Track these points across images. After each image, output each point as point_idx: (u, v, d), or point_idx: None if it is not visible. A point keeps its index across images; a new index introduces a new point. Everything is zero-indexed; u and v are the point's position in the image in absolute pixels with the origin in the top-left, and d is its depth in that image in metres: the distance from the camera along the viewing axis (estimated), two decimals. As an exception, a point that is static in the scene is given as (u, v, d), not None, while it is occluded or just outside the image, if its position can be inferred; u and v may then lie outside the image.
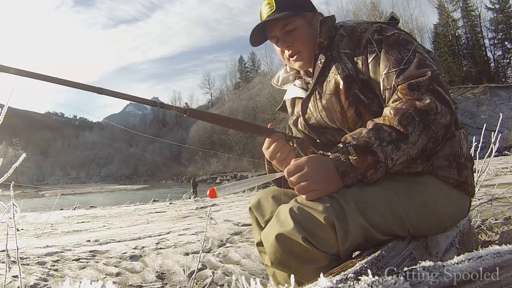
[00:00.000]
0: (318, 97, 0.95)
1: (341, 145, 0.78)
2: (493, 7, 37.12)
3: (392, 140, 0.73)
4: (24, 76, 0.70)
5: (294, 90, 1.07)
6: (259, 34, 0.99)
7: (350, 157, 0.75)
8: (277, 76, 1.13)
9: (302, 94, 1.02)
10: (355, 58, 0.89)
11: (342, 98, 0.89)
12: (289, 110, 1.12)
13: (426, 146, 0.75)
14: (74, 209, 8.20)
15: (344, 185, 0.76)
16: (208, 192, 0.76)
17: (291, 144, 0.89)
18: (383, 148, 0.73)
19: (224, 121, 0.88)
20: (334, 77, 0.90)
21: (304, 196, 0.76)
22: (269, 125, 0.92)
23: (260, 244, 0.98)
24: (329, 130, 0.97)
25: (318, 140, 1.02)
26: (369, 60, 0.86)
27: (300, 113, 1.01)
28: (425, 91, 0.76)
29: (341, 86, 0.88)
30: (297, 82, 1.07)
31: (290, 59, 0.99)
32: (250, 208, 1.03)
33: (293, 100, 1.09)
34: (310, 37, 0.95)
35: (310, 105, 0.98)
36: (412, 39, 0.88)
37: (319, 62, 0.94)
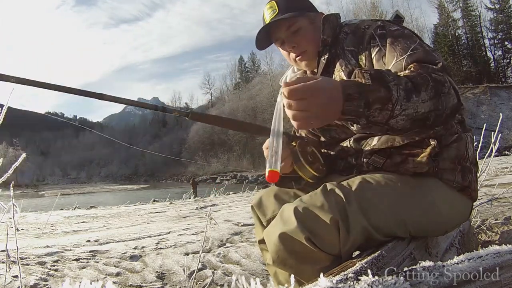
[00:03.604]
0: None
1: (357, 72, 0.69)
2: (493, 7, 37.12)
3: (406, 89, 0.68)
4: (25, 84, 0.71)
5: None
6: (265, 38, 1.00)
7: (363, 81, 0.66)
8: (285, 76, 1.13)
9: None
10: (358, 55, 0.89)
11: None
12: None
13: (430, 113, 0.70)
14: (74, 209, 8.19)
15: (342, 113, 0.65)
16: (267, 175, 0.67)
17: (294, 144, 0.88)
18: (398, 90, 0.67)
19: (226, 123, 0.88)
20: (338, 73, 0.91)
21: (295, 124, 0.66)
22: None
23: (262, 242, 0.98)
24: (333, 127, 0.97)
25: (322, 139, 1.02)
26: (372, 55, 0.86)
27: None
28: None
29: None
30: None
31: (297, 59, 0.99)
32: (252, 207, 1.04)
33: None
34: (315, 36, 0.96)
35: None
36: (416, 36, 0.87)
37: (323, 58, 0.95)
